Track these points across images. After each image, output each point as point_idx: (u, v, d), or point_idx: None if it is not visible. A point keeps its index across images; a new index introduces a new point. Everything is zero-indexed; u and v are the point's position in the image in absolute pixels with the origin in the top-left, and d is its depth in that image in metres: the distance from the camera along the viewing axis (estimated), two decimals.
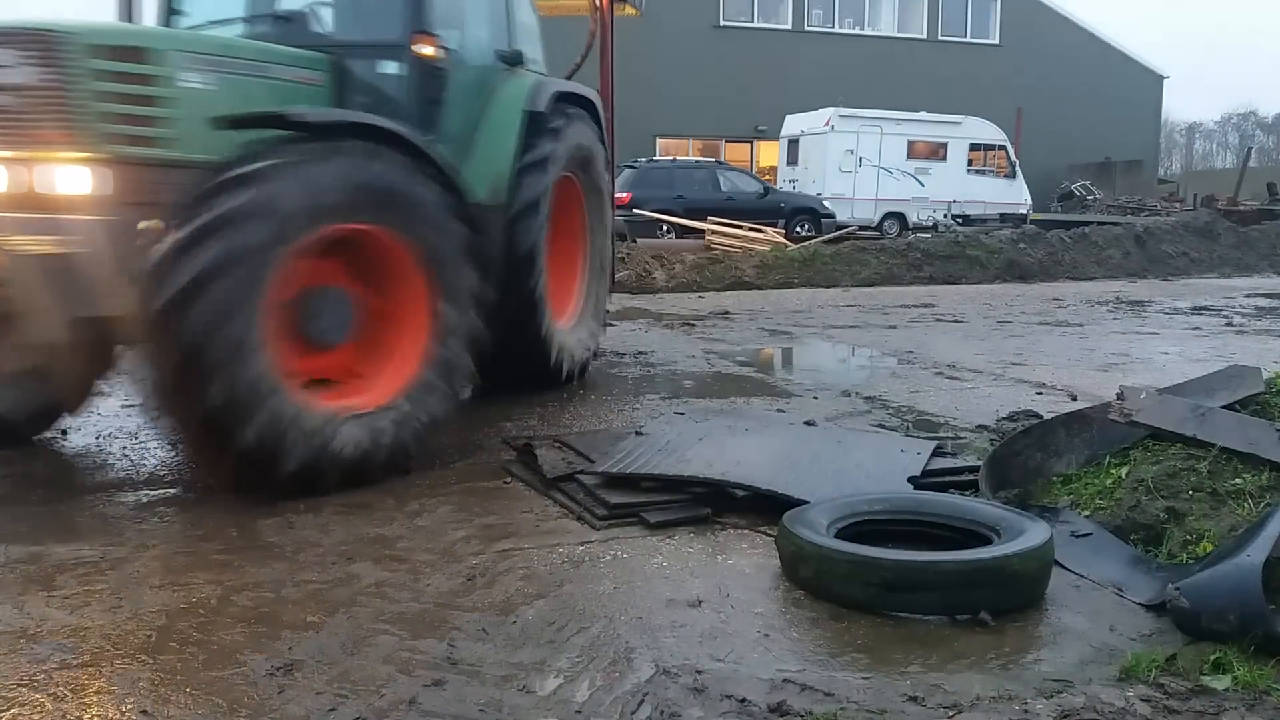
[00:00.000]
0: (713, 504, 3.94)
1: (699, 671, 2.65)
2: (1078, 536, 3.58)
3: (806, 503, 3.62)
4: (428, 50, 5.06)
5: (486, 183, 5.52)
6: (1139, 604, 3.12)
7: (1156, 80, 36.44)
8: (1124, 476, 3.85)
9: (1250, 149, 38.46)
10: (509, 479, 4.47)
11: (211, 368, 3.70)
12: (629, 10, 8.07)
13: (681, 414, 5.39)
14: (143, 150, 4.14)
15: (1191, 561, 3.26)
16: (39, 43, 3.98)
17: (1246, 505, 3.42)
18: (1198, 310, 11.65)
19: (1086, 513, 3.76)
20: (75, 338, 4.10)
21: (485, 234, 5.16)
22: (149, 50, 4.20)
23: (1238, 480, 3.56)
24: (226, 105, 4.27)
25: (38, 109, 4.01)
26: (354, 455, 4.13)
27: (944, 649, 2.83)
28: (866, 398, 6.37)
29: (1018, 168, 25.43)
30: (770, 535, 3.57)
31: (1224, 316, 11.08)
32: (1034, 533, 3.21)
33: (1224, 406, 4.01)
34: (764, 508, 3.82)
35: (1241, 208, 21.75)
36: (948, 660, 2.76)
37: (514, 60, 5.99)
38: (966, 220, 23.43)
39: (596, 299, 6.89)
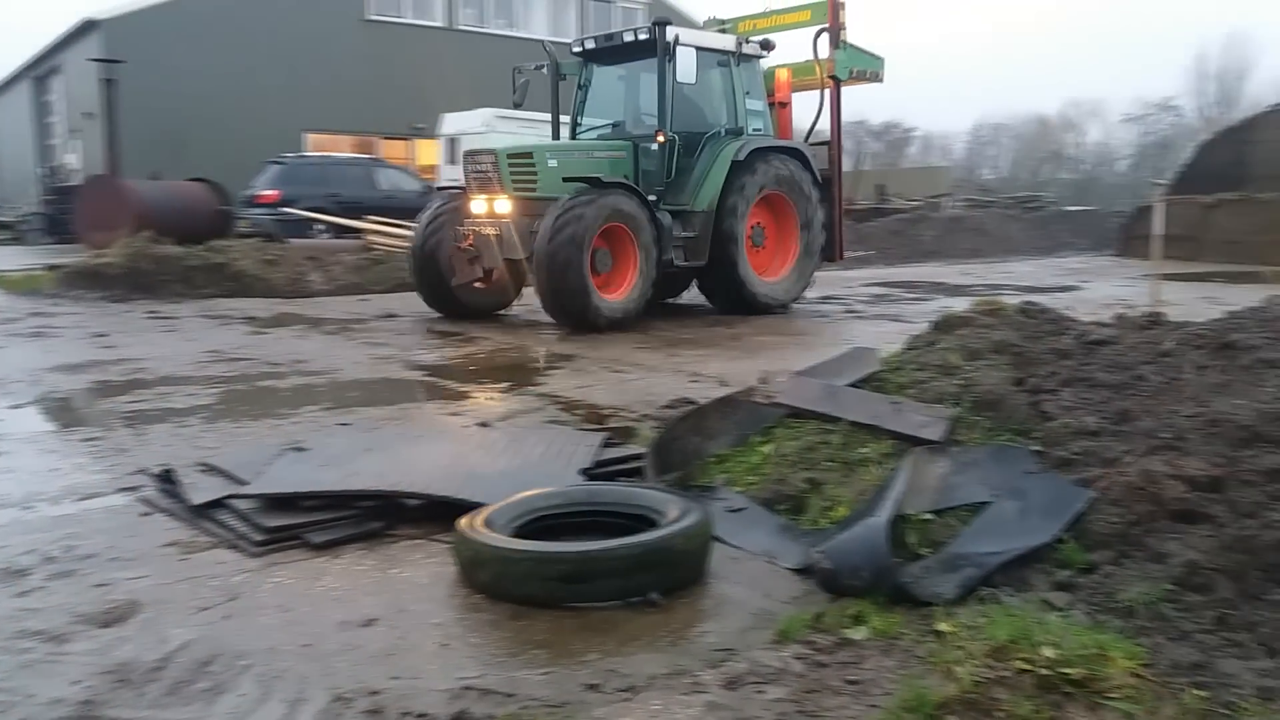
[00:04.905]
0: (385, 517, 3.79)
1: (375, 693, 2.53)
2: (733, 511, 3.80)
3: (483, 504, 3.58)
4: (660, 139, 10.37)
5: (706, 199, 10.54)
6: (789, 569, 3.36)
7: None
8: (770, 453, 4.16)
9: (862, 154, 43.40)
10: (147, 510, 4.03)
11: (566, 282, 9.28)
12: (864, 81, 12.05)
13: (347, 424, 5.16)
14: (526, 193, 9.90)
15: (830, 526, 3.58)
16: (489, 153, 10.04)
17: (873, 471, 3.81)
18: (825, 299, 12.95)
19: (739, 489, 4.01)
20: (504, 268, 10.07)
21: (694, 226, 10.52)
22: (532, 152, 10.16)
23: (864, 450, 3.95)
24: (571, 170, 9.91)
25: (491, 178, 9.94)
26: (611, 317, 9.54)
27: (619, 633, 2.90)
28: (539, 395, 6.45)
29: None
30: (447, 543, 3.49)
31: (846, 304, 12.43)
32: (694, 512, 3.36)
33: (850, 385, 4.47)
34: (440, 515, 3.71)
35: (858, 206, 24.46)
36: (623, 644, 2.83)
37: (736, 132, 10.94)
38: None
39: (802, 268, 11.53)
